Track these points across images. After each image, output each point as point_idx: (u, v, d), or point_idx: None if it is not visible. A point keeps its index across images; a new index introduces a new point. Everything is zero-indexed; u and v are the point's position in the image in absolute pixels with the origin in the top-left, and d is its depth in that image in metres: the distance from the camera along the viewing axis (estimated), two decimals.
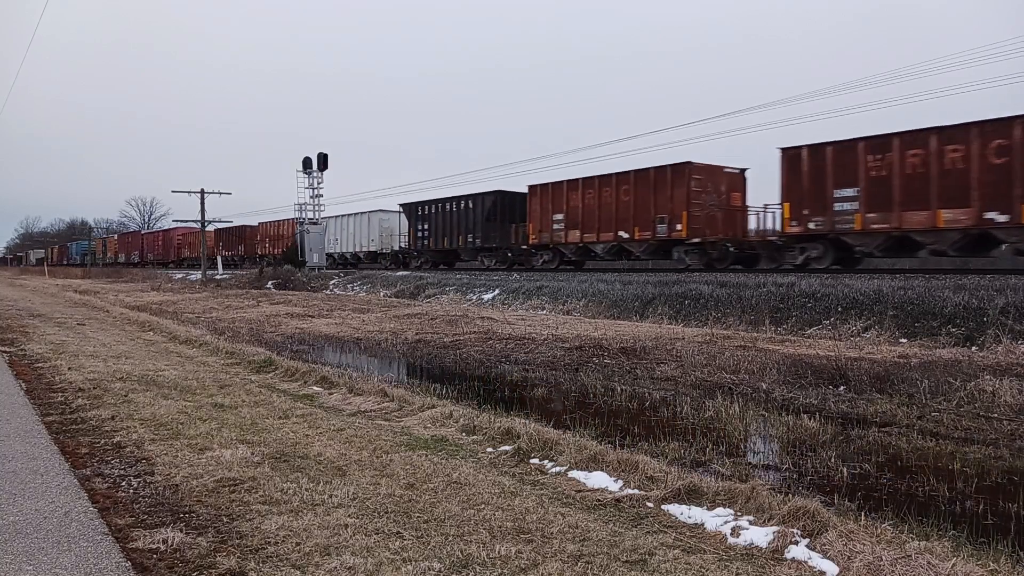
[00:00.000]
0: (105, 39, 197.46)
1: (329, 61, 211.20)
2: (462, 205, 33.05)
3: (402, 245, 39.09)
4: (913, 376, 8.91)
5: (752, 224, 23.61)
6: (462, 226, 32.93)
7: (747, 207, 23.67)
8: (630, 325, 16.17)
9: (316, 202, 42.05)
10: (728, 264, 23.08)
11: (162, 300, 28.01)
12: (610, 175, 25.52)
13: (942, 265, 20.18)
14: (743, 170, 23.85)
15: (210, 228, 51.20)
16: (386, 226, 40.85)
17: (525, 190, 29.54)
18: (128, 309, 22.39)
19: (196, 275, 44.97)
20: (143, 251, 75.59)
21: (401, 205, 37.90)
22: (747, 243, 23.25)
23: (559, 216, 27.54)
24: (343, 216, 44.46)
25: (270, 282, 35.65)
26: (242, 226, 57.45)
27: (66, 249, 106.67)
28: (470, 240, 32.62)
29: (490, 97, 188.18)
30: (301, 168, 42.11)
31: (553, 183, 27.84)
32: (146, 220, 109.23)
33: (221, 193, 46.06)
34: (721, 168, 23.63)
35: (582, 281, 22.03)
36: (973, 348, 11.35)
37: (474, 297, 23.86)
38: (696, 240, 23.04)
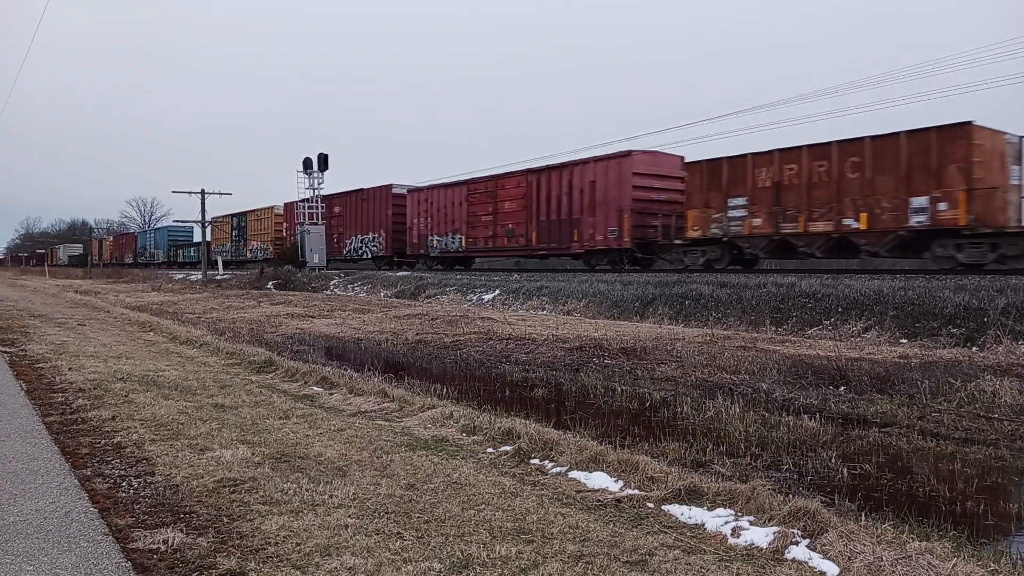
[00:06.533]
0: (106, 39, 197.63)
1: (330, 60, 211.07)
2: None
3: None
4: (914, 376, 8.90)
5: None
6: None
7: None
8: (630, 325, 16.17)
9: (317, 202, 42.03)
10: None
11: (163, 300, 28.01)
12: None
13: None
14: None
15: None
16: None
17: None
18: (129, 309, 22.38)
19: (196, 275, 45.00)
20: (388, 234, 35.94)
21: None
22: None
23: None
24: None
25: (270, 282, 35.64)
26: None
27: (133, 241, 70.46)
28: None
29: (489, 96, 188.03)
30: (301, 168, 42.12)
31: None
32: (146, 220, 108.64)
33: (221, 193, 46.07)
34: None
35: (582, 281, 22.05)
36: (974, 348, 11.35)
37: (474, 297, 23.85)
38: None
